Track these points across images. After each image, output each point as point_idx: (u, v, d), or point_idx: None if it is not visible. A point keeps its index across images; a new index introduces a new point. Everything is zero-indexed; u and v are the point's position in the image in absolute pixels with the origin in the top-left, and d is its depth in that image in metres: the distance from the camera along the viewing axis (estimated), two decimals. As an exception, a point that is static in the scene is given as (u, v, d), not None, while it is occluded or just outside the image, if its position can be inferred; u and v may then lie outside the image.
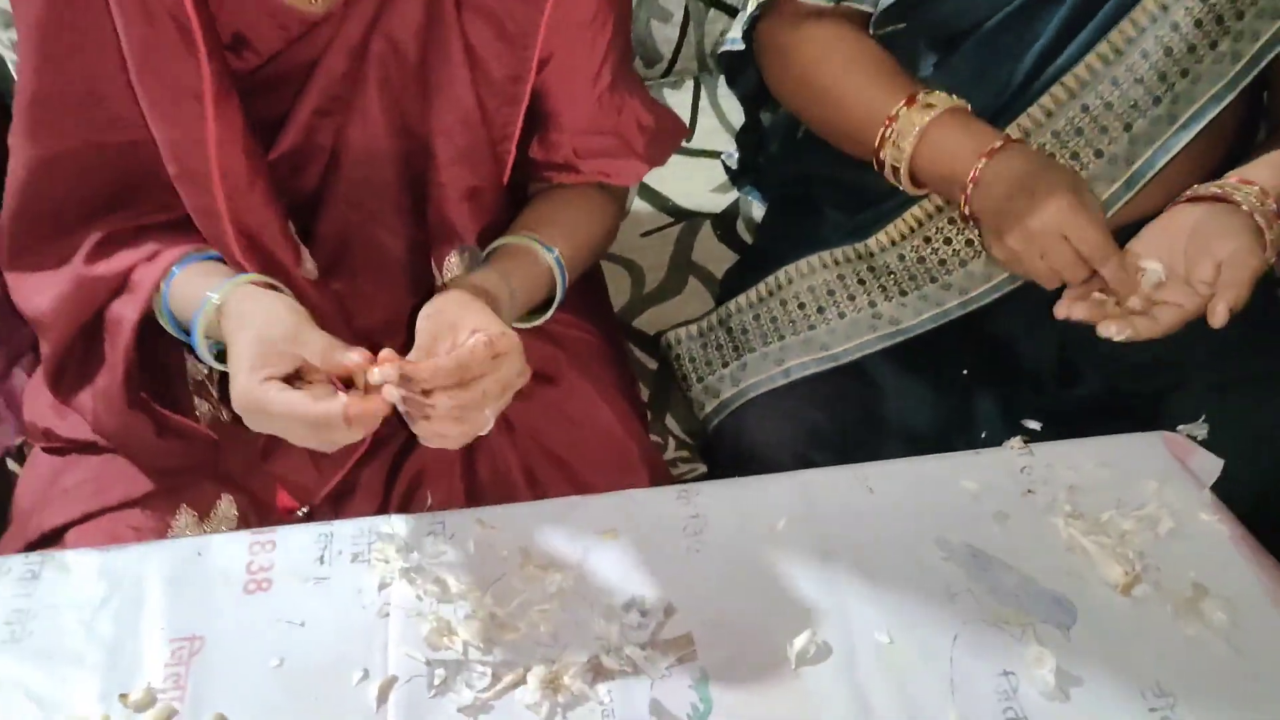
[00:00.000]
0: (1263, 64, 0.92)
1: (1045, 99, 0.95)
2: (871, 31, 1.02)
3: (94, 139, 0.83)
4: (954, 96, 0.95)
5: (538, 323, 0.92)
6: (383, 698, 0.70)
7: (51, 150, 0.83)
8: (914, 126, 0.93)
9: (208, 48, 0.77)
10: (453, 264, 0.91)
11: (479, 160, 0.90)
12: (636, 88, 0.97)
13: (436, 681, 0.72)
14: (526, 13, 0.86)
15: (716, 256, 1.28)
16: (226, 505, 0.89)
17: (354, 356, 0.73)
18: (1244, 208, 0.89)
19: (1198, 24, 0.91)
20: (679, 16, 1.42)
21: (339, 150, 0.89)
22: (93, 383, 0.87)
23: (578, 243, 0.95)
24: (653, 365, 1.18)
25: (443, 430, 0.75)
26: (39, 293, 0.86)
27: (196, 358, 0.87)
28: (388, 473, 0.92)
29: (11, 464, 1.05)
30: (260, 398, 0.73)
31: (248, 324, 0.77)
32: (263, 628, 0.74)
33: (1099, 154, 0.95)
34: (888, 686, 0.71)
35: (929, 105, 0.94)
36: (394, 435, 0.92)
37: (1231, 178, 0.93)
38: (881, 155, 0.97)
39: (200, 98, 0.79)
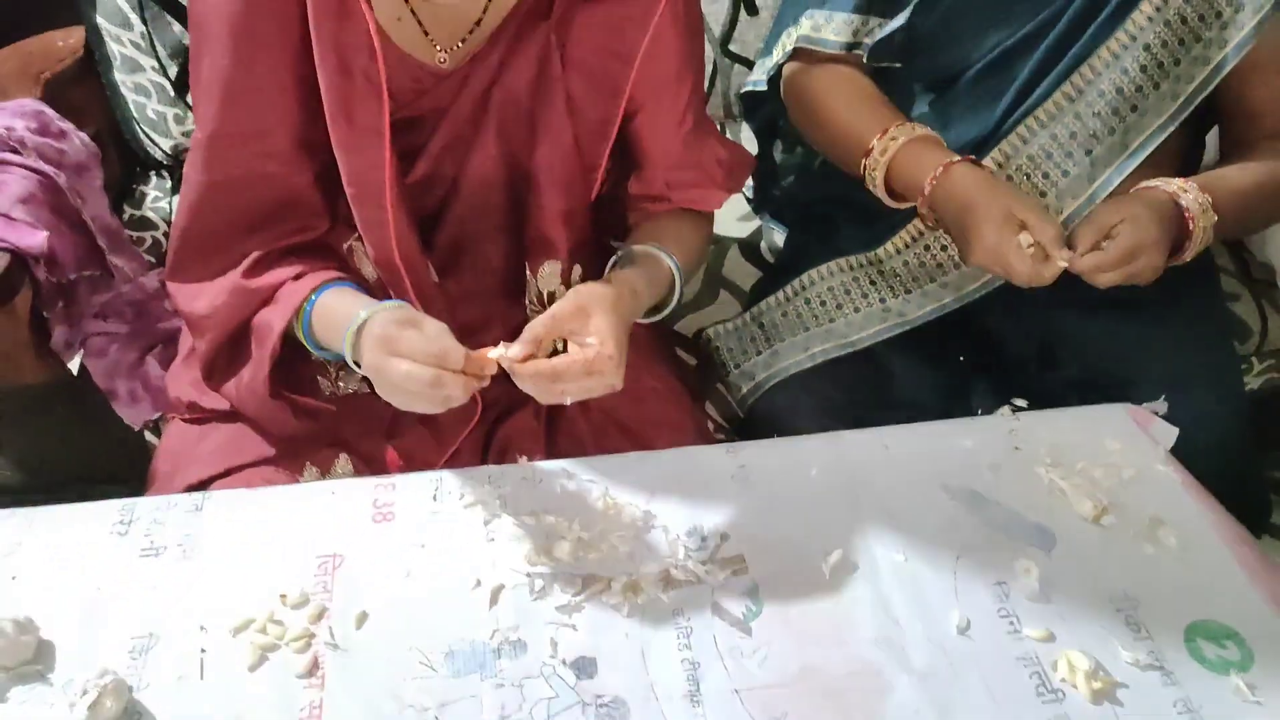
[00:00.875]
0: (1196, 102, 1.11)
1: (1021, 129, 1.14)
2: (866, 60, 1.19)
3: (256, 169, 0.97)
4: (922, 127, 1.13)
5: (658, 318, 1.07)
6: (494, 600, 0.84)
7: (220, 178, 0.98)
8: (887, 150, 1.12)
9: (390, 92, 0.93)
10: (546, 271, 1.07)
11: (573, 187, 1.07)
12: (712, 128, 1.14)
13: (537, 588, 0.85)
14: (619, 70, 1.02)
15: (742, 273, 1.45)
16: (343, 463, 1.03)
17: (487, 354, 0.87)
18: (1183, 203, 1.06)
19: (1143, 69, 1.10)
20: (709, 70, 1.62)
21: (459, 178, 1.05)
22: (238, 374, 1.02)
23: (687, 254, 1.11)
24: (692, 362, 1.35)
25: (528, 389, 0.89)
26: (199, 299, 1.00)
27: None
28: (483, 442, 1.08)
29: (149, 436, 1.22)
30: (398, 334, 0.86)
31: (403, 310, 0.91)
32: (391, 548, 0.88)
33: (1065, 174, 1.14)
34: (904, 593, 0.86)
35: (900, 134, 1.12)
36: (488, 410, 1.08)
37: (1191, 184, 1.08)
38: (865, 170, 1.15)
39: (381, 135, 0.95)
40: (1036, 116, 1.14)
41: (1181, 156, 1.20)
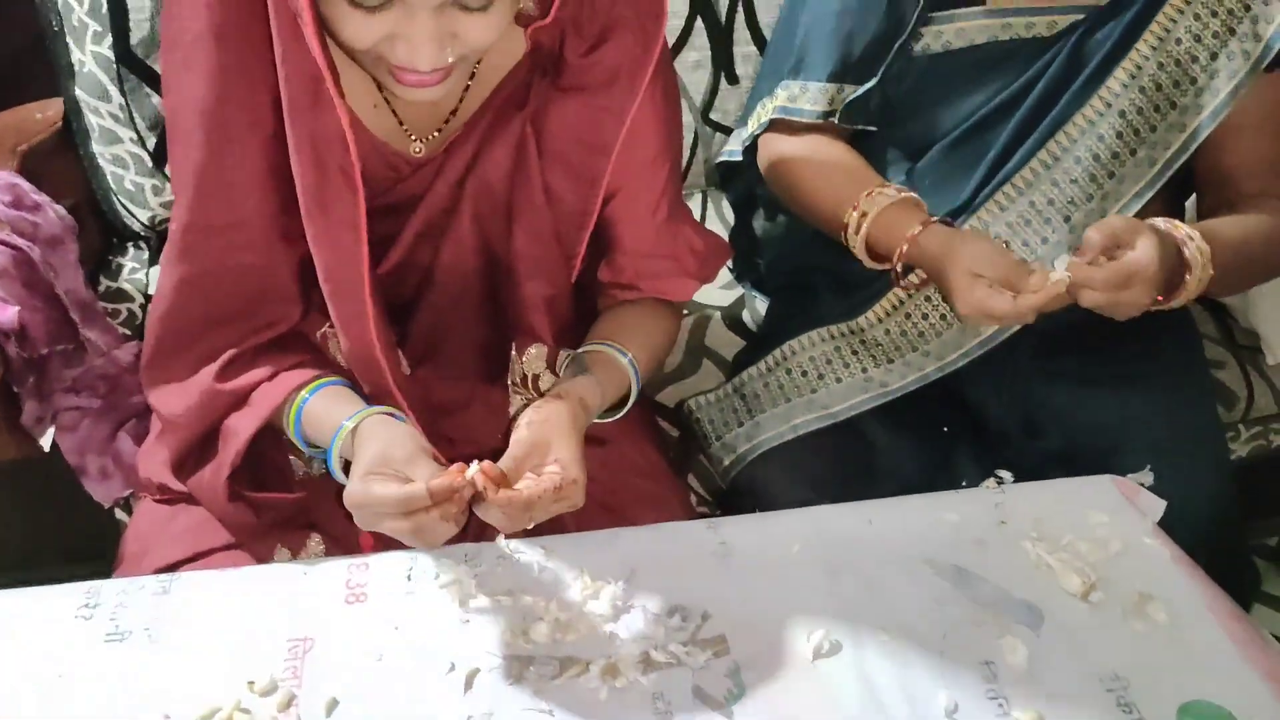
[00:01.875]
0: (1175, 167, 1.11)
1: (999, 196, 1.15)
2: (840, 122, 1.20)
3: (231, 260, 0.96)
4: (902, 189, 1.14)
5: (616, 418, 1.06)
6: (469, 684, 0.82)
7: (196, 270, 0.96)
8: (868, 214, 1.13)
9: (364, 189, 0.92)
10: (532, 354, 1.06)
11: (554, 274, 1.05)
12: (688, 216, 1.13)
13: (513, 671, 0.83)
14: (595, 159, 1.01)
15: (725, 342, 1.44)
16: (315, 544, 1.01)
17: (452, 472, 0.85)
18: (1186, 253, 1.05)
19: (1119, 135, 1.11)
20: (690, 139, 1.63)
21: (433, 266, 1.04)
22: (203, 470, 0.99)
23: (647, 348, 1.09)
24: (675, 433, 1.33)
25: (492, 520, 0.88)
26: (173, 397, 0.98)
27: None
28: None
29: (119, 513, 1.19)
30: (364, 492, 0.85)
31: (375, 440, 0.90)
32: (364, 631, 0.86)
33: (1044, 240, 1.14)
34: (889, 673, 0.83)
35: (881, 198, 1.13)
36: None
37: (1194, 231, 1.07)
38: (846, 234, 1.15)
39: (357, 229, 0.93)
40: (1013, 183, 1.15)
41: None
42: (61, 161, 1.44)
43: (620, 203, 1.06)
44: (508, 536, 0.93)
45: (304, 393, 0.96)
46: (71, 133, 1.45)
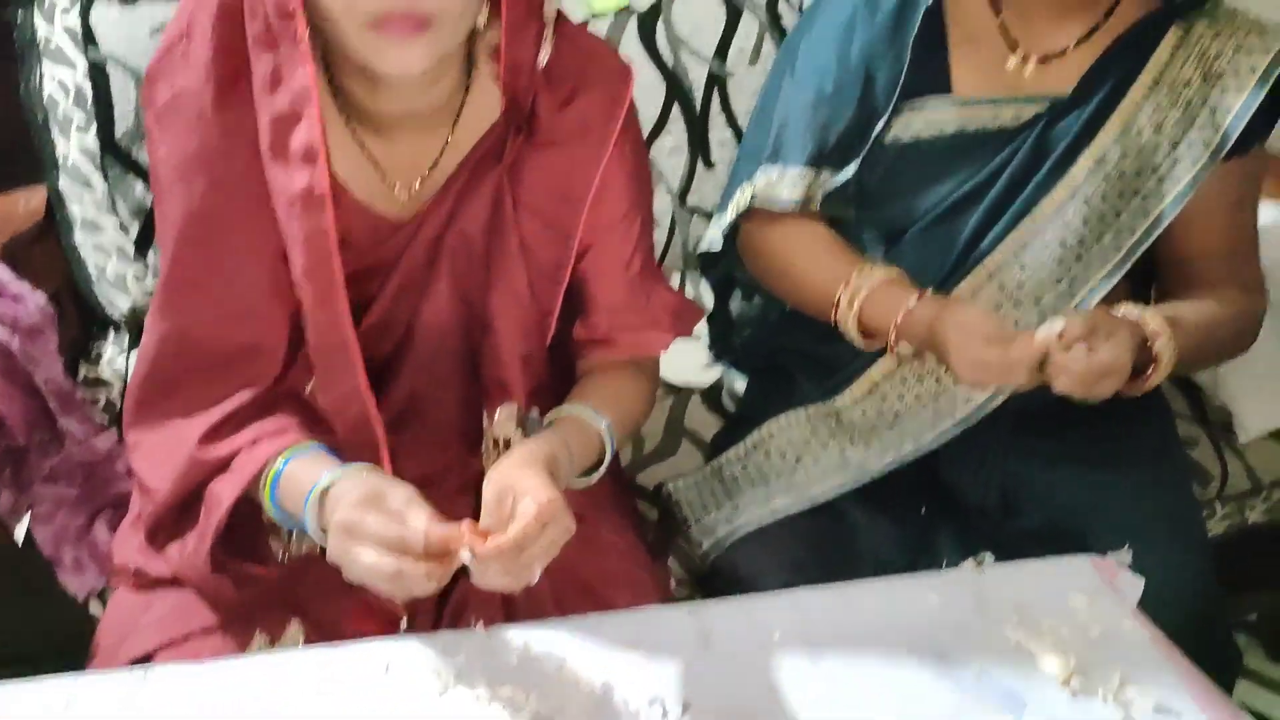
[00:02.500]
0: (1140, 252, 1.14)
1: (970, 279, 1.17)
2: (820, 209, 1.23)
3: (215, 313, 0.97)
4: (888, 268, 1.16)
5: (589, 482, 1.06)
6: None
7: (182, 322, 0.98)
8: (858, 294, 1.15)
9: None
10: (501, 416, 1.06)
11: (530, 331, 1.07)
12: (661, 276, 1.15)
13: None
14: (569, 210, 1.04)
15: (704, 422, 1.45)
16: (295, 629, 1.00)
17: (454, 545, 0.86)
18: (1155, 347, 1.07)
19: (1085, 221, 1.14)
20: (667, 222, 1.67)
21: (413, 323, 1.06)
22: (183, 539, 0.99)
23: (622, 412, 1.10)
24: (653, 515, 1.33)
25: (494, 584, 0.88)
26: (155, 462, 0.98)
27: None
28: (438, 601, 1.05)
29: (94, 606, 1.18)
30: (359, 519, 0.85)
31: (367, 484, 0.89)
32: None
33: (1016, 324, 1.16)
34: None
35: (868, 277, 1.16)
36: None
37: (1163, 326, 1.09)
38: (836, 314, 1.17)
39: (343, 287, 0.95)
40: (984, 266, 1.17)
41: (1131, 300, 1.21)
42: (43, 250, 1.45)
43: (594, 258, 1.09)
44: (487, 626, 0.93)
45: (279, 460, 0.95)
46: (54, 222, 1.46)
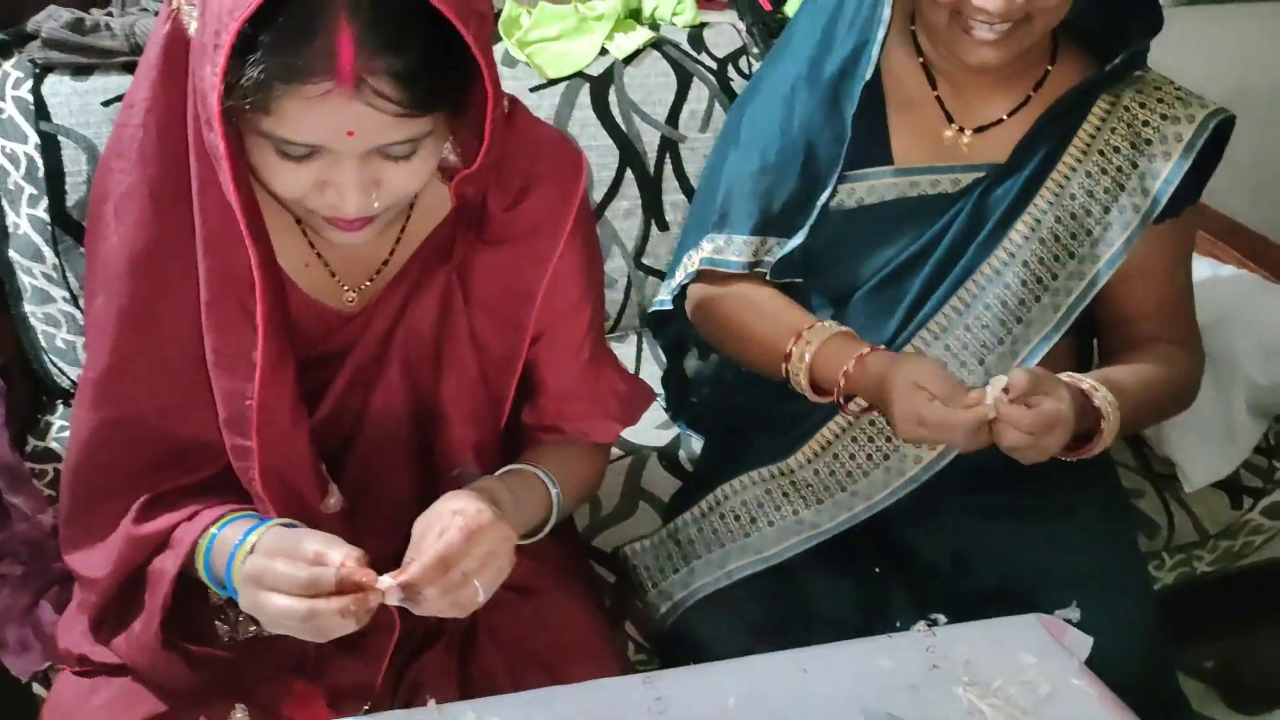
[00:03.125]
0: (1078, 313, 1.17)
1: (916, 340, 1.20)
2: (769, 278, 1.25)
3: (154, 405, 0.96)
4: (835, 324, 1.18)
5: (533, 541, 1.05)
6: None
7: (115, 415, 0.96)
8: (807, 350, 1.17)
9: (265, 328, 0.92)
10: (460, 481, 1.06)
11: (482, 419, 1.07)
12: (611, 360, 1.15)
13: None
14: (521, 305, 1.04)
15: (662, 483, 1.45)
16: (240, 715, 0.98)
17: (367, 577, 0.85)
18: (1095, 402, 1.09)
19: (1024, 283, 1.18)
20: (623, 283, 1.68)
21: (364, 413, 1.05)
22: (128, 627, 0.97)
23: (572, 478, 1.10)
24: (611, 579, 1.33)
25: (438, 610, 0.86)
26: (95, 558, 0.97)
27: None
28: (394, 680, 1.04)
29: (37, 688, 1.15)
30: (265, 564, 0.84)
31: (284, 533, 0.89)
32: None
33: (961, 382, 1.18)
34: None
35: (816, 334, 1.17)
36: (400, 645, 1.04)
37: (1099, 383, 1.11)
38: (788, 366, 1.19)
39: (254, 363, 0.93)
40: (929, 328, 1.20)
41: (1074, 359, 1.25)
42: (-7, 320, 1.44)
43: (544, 346, 1.09)
44: (440, 702, 0.92)
45: (214, 527, 0.94)
46: (3, 293, 1.45)
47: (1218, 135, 1.18)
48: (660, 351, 1.50)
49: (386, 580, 0.85)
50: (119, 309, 0.94)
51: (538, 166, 1.03)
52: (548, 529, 1.07)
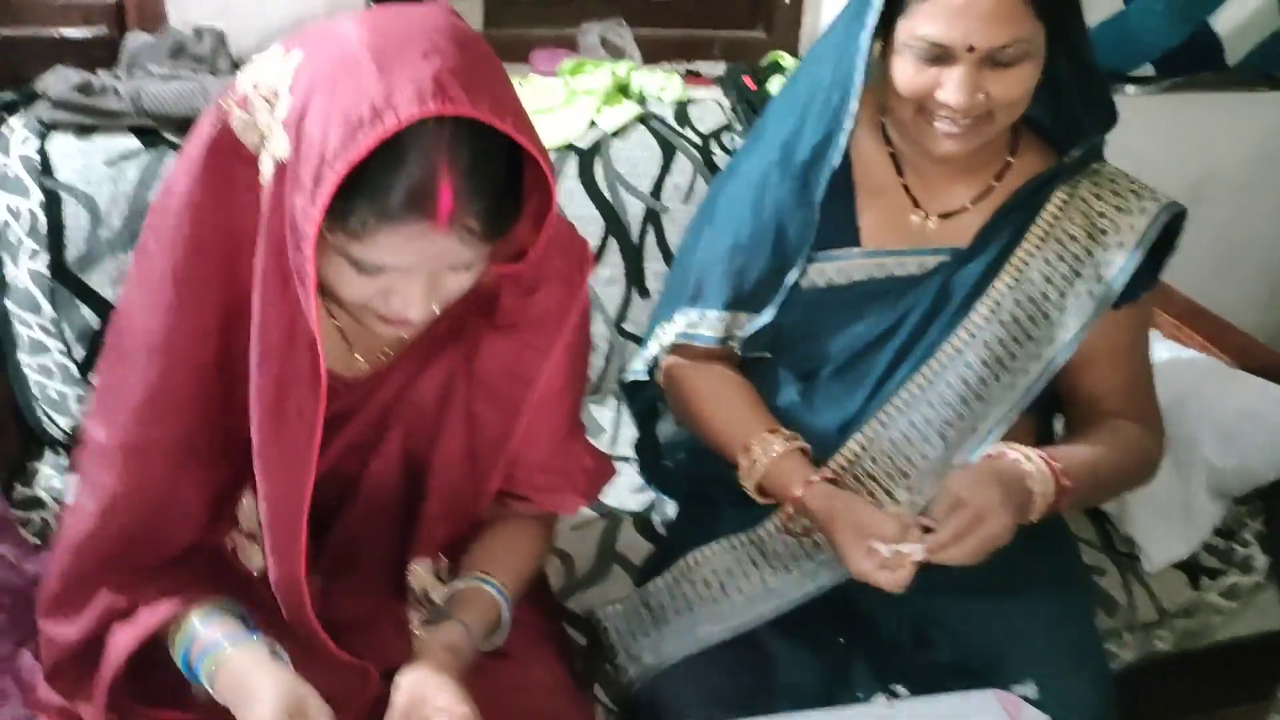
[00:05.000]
0: (1035, 393, 1.22)
1: (881, 415, 1.24)
2: (740, 352, 1.29)
3: (139, 480, 0.97)
4: (790, 438, 1.23)
5: (490, 647, 1.08)
6: None
7: (129, 487, 0.97)
8: (758, 462, 1.23)
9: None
10: (419, 571, 1.09)
11: (463, 496, 1.11)
12: (582, 434, 1.20)
13: None
14: (520, 389, 1.08)
15: (635, 547, 1.48)
16: None
17: None
18: (1027, 478, 1.13)
19: (984, 363, 1.23)
20: (604, 348, 1.73)
21: (360, 477, 1.09)
22: (86, 682, 1.00)
23: (518, 571, 1.13)
24: (583, 641, 1.35)
25: None
26: (69, 625, 1.00)
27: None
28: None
29: (12, 736, 1.16)
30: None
31: (281, 684, 0.93)
32: None
33: (924, 457, 1.23)
34: None
35: (771, 447, 1.22)
36: (369, 716, 1.04)
37: (1034, 452, 1.16)
38: (739, 473, 1.24)
39: (308, 465, 0.96)
40: (893, 403, 1.24)
41: (1033, 435, 1.29)
42: (-11, 367, 1.48)
43: (529, 422, 1.12)
44: None
45: (194, 617, 0.97)
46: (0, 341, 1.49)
47: (1170, 227, 1.24)
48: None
49: None
50: (148, 386, 0.96)
51: (551, 259, 1.05)
52: (499, 639, 1.10)
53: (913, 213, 1.27)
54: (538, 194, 0.93)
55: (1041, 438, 1.31)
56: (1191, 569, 1.56)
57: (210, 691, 0.96)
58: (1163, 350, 1.70)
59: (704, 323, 1.29)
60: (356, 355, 1.08)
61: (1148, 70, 2.14)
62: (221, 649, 0.95)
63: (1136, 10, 2.01)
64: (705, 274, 1.30)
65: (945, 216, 1.27)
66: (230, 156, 0.91)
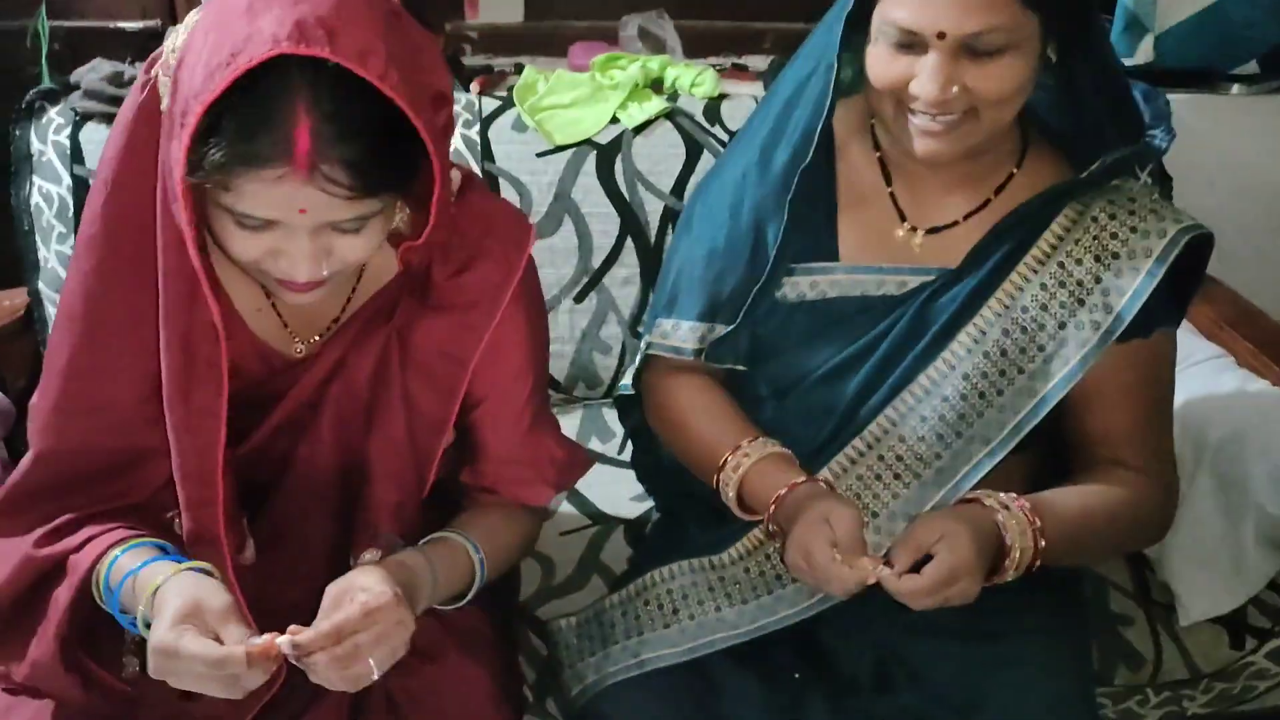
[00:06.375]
0: (1025, 431, 1.11)
1: (849, 450, 1.15)
2: (705, 359, 1.22)
3: (92, 441, 1.01)
4: (773, 443, 1.16)
5: (452, 608, 1.08)
6: None
7: (55, 447, 1.02)
8: (740, 467, 1.15)
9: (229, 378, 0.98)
10: (367, 558, 1.07)
11: (405, 481, 1.10)
12: (551, 427, 1.18)
13: None
14: (455, 371, 1.07)
15: (621, 559, 1.43)
16: None
17: (263, 639, 0.89)
18: (1004, 532, 1.03)
19: (964, 398, 1.12)
20: (616, 349, 1.69)
21: (289, 460, 1.09)
22: (22, 647, 1.01)
23: (499, 545, 1.12)
24: (545, 652, 1.33)
25: (329, 678, 0.90)
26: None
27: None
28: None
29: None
30: (174, 643, 0.88)
31: (184, 593, 0.92)
32: None
33: (896, 496, 1.14)
34: None
35: (753, 451, 1.15)
36: (291, 698, 1.06)
37: (1013, 500, 1.06)
38: (719, 479, 1.17)
39: (217, 417, 0.98)
40: (863, 438, 1.16)
41: (1024, 479, 1.17)
42: (20, 346, 1.57)
43: (485, 412, 1.12)
44: None
45: (115, 550, 0.98)
46: (33, 320, 1.57)
47: (1195, 252, 1.11)
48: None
49: (284, 639, 0.90)
50: (70, 349, 1.01)
51: (485, 240, 1.06)
52: (470, 595, 1.09)
53: (899, 226, 1.18)
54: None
55: (1035, 483, 1.17)
56: (1235, 626, 1.40)
57: (130, 618, 0.96)
58: (1231, 380, 1.54)
59: (678, 333, 1.23)
60: (293, 336, 1.08)
61: (1252, 68, 1.94)
62: (134, 573, 0.96)
63: (1235, 2, 1.81)
64: (680, 282, 1.24)
65: (933, 232, 1.17)
66: (153, 118, 0.93)
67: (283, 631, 0.92)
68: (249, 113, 0.84)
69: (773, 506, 1.12)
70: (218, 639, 0.90)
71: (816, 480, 1.13)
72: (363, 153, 0.86)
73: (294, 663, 0.91)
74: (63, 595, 0.99)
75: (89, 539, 1.00)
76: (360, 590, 0.93)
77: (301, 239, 0.90)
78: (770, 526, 1.13)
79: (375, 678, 0.92)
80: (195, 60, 0.85)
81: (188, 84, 0.85)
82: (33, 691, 1.06)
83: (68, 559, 1.00)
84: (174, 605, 0.91)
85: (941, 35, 1.01)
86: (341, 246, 0.93)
